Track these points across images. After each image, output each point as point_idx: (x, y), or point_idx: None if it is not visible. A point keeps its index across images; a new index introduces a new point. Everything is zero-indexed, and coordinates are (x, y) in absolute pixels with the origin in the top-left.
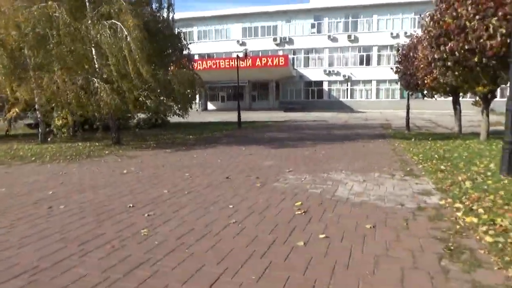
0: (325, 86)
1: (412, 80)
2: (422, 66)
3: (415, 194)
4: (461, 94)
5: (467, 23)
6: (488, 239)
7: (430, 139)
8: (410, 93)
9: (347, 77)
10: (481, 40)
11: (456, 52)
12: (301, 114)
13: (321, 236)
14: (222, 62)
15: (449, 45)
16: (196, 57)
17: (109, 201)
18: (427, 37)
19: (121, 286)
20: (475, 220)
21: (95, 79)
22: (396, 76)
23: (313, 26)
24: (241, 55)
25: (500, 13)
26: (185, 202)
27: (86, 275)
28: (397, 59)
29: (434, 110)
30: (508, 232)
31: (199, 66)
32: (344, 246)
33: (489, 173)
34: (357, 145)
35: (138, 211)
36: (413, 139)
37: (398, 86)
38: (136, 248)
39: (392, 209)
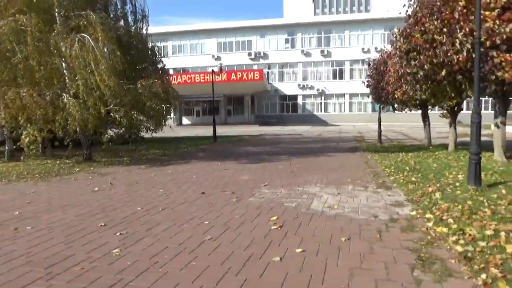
0: (300, 100)
1: (383, 94)
2: (392, 80)
3: (388, 205)
4: (429, 107)
5: (436, 37)
6: (458, 248)
7: (401, 151)
8: (381, 106)
9: (320, 91)
10: (449, 54)
11: (425, 66)
12: (276, 128)
13: (297, 250)
14: (197, 76)
15: (419, 59)
16: (171, 71)
17: (79, 220)
18: (397, 52)
19: None
20: (445, 230)
21: (64, 94)
22: (368, 90)
23: (287, 41)
24: (216, 69)
25: (466, 29)
26: (159, 219)
27: None
28: (368, 73)
29: (405, 122)
30: (477, 241)
31: (174, 80)
32: (320, 260)
33: (457, 184)
34: (331, 158)
35: (110, 230)
36: (385, 152)
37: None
38: (107, 269)
39: (366, 221)
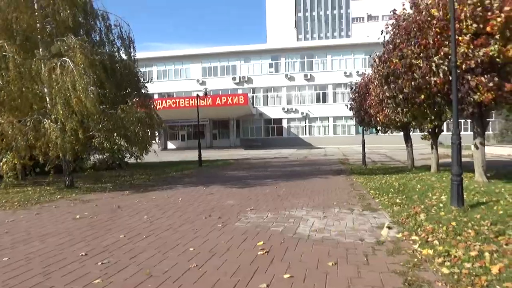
0: (285, 124)
1: (365, 117)
2: (374, 103)
3: (374, 228)
4: (411, 129)
5: (413, 61)
6: (444, 270)
7: (385, 173)
8: (364, 128)
9: (305, 114)
10: (426, 77)
11: (405, 90)
12: (262, 152)
13: (284, 276)
14: (182, 101)
15: (398, 83)
16: (156, 96)
17: (59, 250)
18: (377, 76)
19: None
20: (431, 252)
21: (46, 120)
22: (351, 113)
23: (271, 65)
24: (201, 94)
25: (442, 53)
26: (143, 247)
27: None
28: (351, 96)
29: (389, 144)
30: (463, 262)
31: (159, 105)
32: (307, 286)
33: (441, 205)
34: (317, 181)
35: (91, 259)
36: (369, 174)
37: (353, 122)
38: None
39: (353, 245)
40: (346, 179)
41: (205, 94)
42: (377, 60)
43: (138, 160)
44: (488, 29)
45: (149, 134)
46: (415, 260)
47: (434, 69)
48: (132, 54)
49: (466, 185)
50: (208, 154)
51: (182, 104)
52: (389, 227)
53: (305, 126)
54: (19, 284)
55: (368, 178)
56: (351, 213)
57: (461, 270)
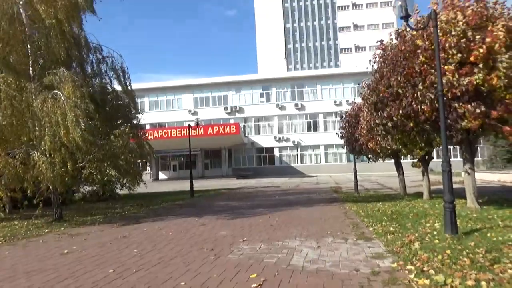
0: (276, 152)
1: (356, 145)
2: (364, 131)
3: (369, 258)
4: (402, 156)
5: (400, 91)
6: None
7: (378, 201)
8: (356, 156)
9: (296, 143)
10: (414, 106)
11: (394, 118)
12: (254, 181)
13: None
14: (174, 131)
15: (387, 111)
16: (148, 126)
17: (45, 287)
18: (366, 104)
19: None
20: (427, 282)
21: (35, 152)
22: (342, 141)
23: (262, 95)
24: (193, 124)
25: (428, 81)
26: (132, 282)
27: None
28: (341, 125)
29: (380, 172)
30: None
31: (151, 135)
32: None
33: (435, 233)
34: (310, 210)
35: None
36: (362, 202)
37: (344, 150)
38: None
39: (348, 276)
40: (339, 207)
41: (197, 124)
42: (366, 88)
43: (130, 191)
44: (472, 58)
45: (140, 164)
46: None
47: (420, 97)
48: (127, 84)
49: (459, 211)
50: (200, 184)
51: (174, 134)
52: None
53: (297, 154)
54: None
55: (361, 206)
56: (345, 242)
57: None
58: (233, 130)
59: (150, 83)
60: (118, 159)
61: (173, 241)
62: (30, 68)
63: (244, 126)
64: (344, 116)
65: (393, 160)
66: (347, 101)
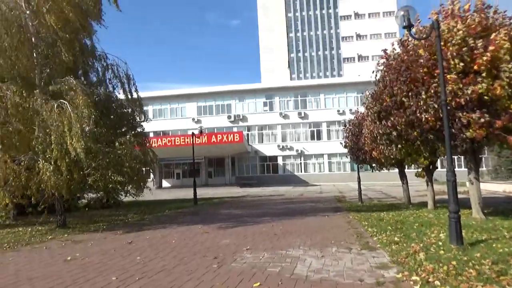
0: (280, 161)
1: (360, 154)
2: (368, 141)
3: (373, 268)
4: (406, 166)
5: (403, 99)
6: None
7: (382, 210)
8: (359, 165)
9: (300, 151)
10: (417, 115)
11: (398, 127)
12: (257, 189)
13: None
14: (177, 139)
15: (390, 120)
16: (152, 134)
17: None
18: (369, 113)
19: None
20: None
21: (40, 160)
22: (345, 150)
23: (265, 104)
24: (196, 132)
25: (432, 91)
26: None
27: None
28: (345, 134)
29: (384, 181)
30: None
31: (155, 143)
32: None
33: (440, 243)
34: (314, 219)
35: None
36: (366, 211)
37: (348, 159)
38: None
39: (352, 286)
40: (343, 216)
41: (201, 132)
42: (369, 97)
43: (135, 198)
44: (475, 67)
45: (143, 171)
46: None
47: (424, 106)
48: (133, 91)
49: (464, 222)
50: (204, 192)
51: (178, 142)
52: None
53: (300, 163)
54: None
55: (365, 215)
56: (349, 252)
57: None
58: (236, 139)
59: (154, 92)
60: (123, 166)
61: (176, 249)
62: (37, 77)
63: (247, 134)
64: (347, 125)
65: (397, 170)
66: (350, 110)
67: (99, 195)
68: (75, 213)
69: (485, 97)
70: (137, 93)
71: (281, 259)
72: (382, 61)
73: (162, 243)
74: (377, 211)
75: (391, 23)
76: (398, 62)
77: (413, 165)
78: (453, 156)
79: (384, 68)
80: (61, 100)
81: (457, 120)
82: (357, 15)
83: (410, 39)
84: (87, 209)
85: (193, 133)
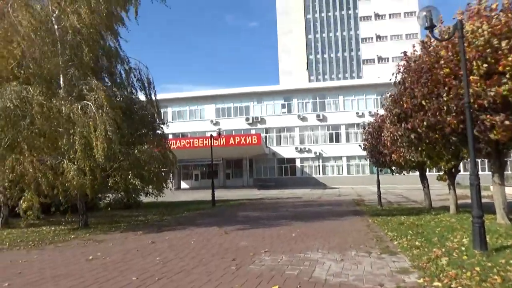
0: (298, 163)
1: (380, 157)
2: (388, 143)
3: (393, 272)
4: (427, 169)
5: (423, 102)
6: None
7: (402, 214)
8: (379, 168)
9: (318, 154)
10: (438, 117)
11: (418, 129)
12: (275, 192)
13: None
14: (196, 141)
15: (411, 122)
16: (171, 136)
17: None
18: (389, 115)
19: None
20: None
21: (65, 160)
22: (365, 153)
23: (283, 106)
24: (215, 134)
25: (452, 93)
26: None
27: None
28: (364, 137)
29: (404, 184)
30: None
31: (173, 145)
32: None
33: (463, 248)
34: (332, 222)
35: None
36: (386, 215)
37: (367, 162)
38: None
39: None
40: (362, 220)
41: (219, 134)
42: (389, 99)
43: (155, 199)
44: (500, 68)
45: (163, 173)
46: None
47: (445, 108)
48: (152, 95)
49: (488, 227)
50: (222, 194)
51: (196, 144)
52: None
53: (319, 165)
54: None
55: (384, 219)
56: (368, 256)
57: None
58: (254, 141)
59: (173, 94)
60: (143, 168)
61: (194, 250)
62: (61, 78)
63: (265, 136)
64: (366, 128)
65: (417, 173)
66: (370, 112)
67: (120, 195)
68: (96, 213)
69: (510, 99)
70: (155, 98)
71: (300, 262)
72: (402, 62)
73: (181, 244)
74: (397, 215)
75: (413, 23)
76: (418, 63)
77: (434, 168)
78: (477, 159)
79: (404, 70)
80: (85, 102)
81: (479, 122)
82: (377, 16)
83: (432, 40)
84: (109, 209)
85: (211, 135)
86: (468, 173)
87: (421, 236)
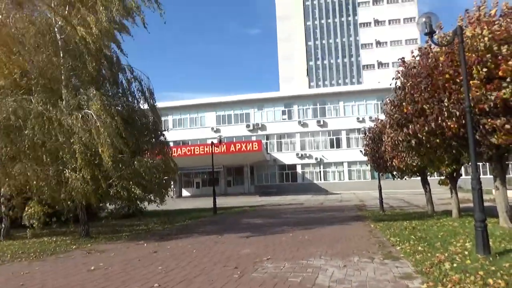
0: (299, 169)
1: (381, 162)
2: (388, 148)
3: (397, 278)
4: (428, 173)
5: (424, 106)
6: None
7: (405, 219)
8: (380, 173)
9: (319, 159)
10: (440, 122)
11: (419, 134)
12: (277, 198)
13: None
14: (197, 148)
15: (411, 127)
16: (172, 144)
17: None
18: (390, 120)
19: None
20: None
21: (66, 169)
22: (366, 158)
23: (284, 113)
24: (215, 141)
25: (453, 98)
26: None
27: None
28: (365, 142)
29: (406, 189)
30: None
31: (174, 153)
32: None
33: (466, 252)
34: (335, 228)
35: None
36: (388, 220)
37: (368, 167)
38: None
39: None
40: (364, 225)
41: (220, 141)
42: (389, 104)
43: (158, 207)
44: (500, 73)
45: (164, 181)
46: None
47: (446, 113)
48: (153, 104)
49: (491, 231)
50: (223, 201)
51: (197, 151)
52: None
53: (320, 171)
54: None
55: (387, 224)
56: (371, 262)
57: None
58: (255, 147)
59: (174, 102)
60: (145, 177)
61: (196, 259)
62: (63, 88)
63: (266, 143)
64: (367, 133)
65: (419, 177)
66: (370, 117)
67: (122, 204)
68: (97, 223)
69: (511, 103)
70: (155, 107)
71: (302, 269)
72: (401, 69)
73: (183, 252)
74: (399, 220)
75: (412, 29)
76: (418, 69)
77: (436, 172)
78: (478, 163)
79: (404, 76)
80: (86, 111)
81: (481, 126)
82: (377, 22)
83: (431, 46)
84: (110, 218)
85: (212, 142)
86: (470, 177)
87: (423, 241)
